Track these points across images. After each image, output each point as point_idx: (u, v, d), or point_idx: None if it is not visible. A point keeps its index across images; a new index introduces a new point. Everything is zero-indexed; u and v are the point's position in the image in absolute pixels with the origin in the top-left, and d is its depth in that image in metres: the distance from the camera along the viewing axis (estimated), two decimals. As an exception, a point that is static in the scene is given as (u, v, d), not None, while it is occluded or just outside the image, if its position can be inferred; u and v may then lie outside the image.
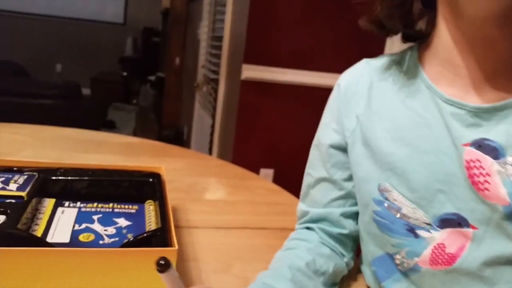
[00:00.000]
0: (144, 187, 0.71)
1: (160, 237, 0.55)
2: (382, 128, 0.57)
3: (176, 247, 0.51)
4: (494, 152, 0.48)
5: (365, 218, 0.60)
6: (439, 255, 0.52)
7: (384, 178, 0.55)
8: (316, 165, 0.65)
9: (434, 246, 0.52)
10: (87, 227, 0.61)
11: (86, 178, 0.70)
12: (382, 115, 0.57)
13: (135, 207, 0.68)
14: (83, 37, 5.79)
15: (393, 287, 0.58)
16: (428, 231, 0.53)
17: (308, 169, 0.67)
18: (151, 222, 0.63)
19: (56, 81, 2.48)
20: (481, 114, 0.49)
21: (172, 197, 0.68)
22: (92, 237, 0.59)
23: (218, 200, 0.89)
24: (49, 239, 0.57)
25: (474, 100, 0.51)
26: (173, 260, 0.50)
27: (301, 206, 0.67)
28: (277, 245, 0.64)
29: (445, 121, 0.51)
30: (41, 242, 0.53)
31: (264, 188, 1.00)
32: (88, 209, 0.66)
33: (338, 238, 0.63)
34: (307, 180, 0.66)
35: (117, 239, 0.59)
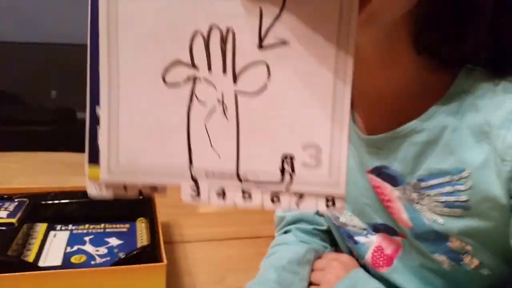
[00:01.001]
0: (135, 205, 0.71)
1: (149, 253, 0.55)
2: None
3: (165, 262, 0.52)
4: (393, 179, 0.48)
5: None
6: (379, 257, 0.54)
7: None
8: None
9: (374, 249, 0.54)
10: (79, 249, 0.61)
11: (77, 200, 0.70)
12: None
13: (127, 225, 0.69)
14: (77, 62, 5.81)
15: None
16: (366, 236, 0.55)
17: None
18: (142, 239, 0.64)
19: (50, 107, 2.49)
20: (377, 143, 0.48)
21: (165, 213, 0.68)
22: (84, 258, 0.59)
23: (211, 213, 0.90)
24: (41, 263, 0.57)
25: (371, 128, 0.49)
26: (162, 275, 0.51)
27: (277, 213, 0.68)
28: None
29: (358, 145, 0.51)
30: (31, 266, 0.54)
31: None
32: (79, 231, 0.67)
33: (316, 234, 0.64)
34: None
35: (108, 258, 0.59)
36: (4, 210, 0.65)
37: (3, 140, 1.43)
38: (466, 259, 0.46)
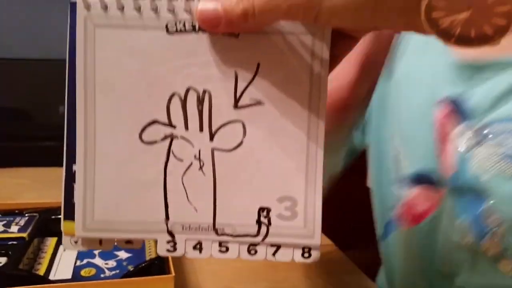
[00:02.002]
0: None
1: (158, 266, 0.56)
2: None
3: (173, 274, 0.52)
4: (463, 114, 0.43)
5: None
6: (408, 212, 0.50)
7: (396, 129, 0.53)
8: None
9: (405, 203, 0.50)
10: (88, 262, 0.62)
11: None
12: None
13: (135, 238, 0.69)
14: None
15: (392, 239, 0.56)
16: (404, 186, 0.50)
17: None
18: (151, 252, 0.65)
19: (58, 122, 2.49)
20: (470, 68, 0.44)
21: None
22: (93, 271, 0.60)
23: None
24: (51, 276, 0.58)
25: (466, 52, 0.45)
26: (170, 287, 0.51)
27: None
28: (277, 263, 0.64)
29: (438, 71, 0.47)
30: (42, 279, 0.55)
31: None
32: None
33: None
34: None
35: (117, 271, 0.60)
36: (15, 225, 0.66)
37: (12, 156, 1.45)
38: (489, 241, 0.41)
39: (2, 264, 0.56)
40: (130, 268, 0.60)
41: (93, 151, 0.29)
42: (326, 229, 0.99)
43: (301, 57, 0.28)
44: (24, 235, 0.63)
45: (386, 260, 0.60)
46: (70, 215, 0.30)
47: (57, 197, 0.79)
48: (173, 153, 0.29)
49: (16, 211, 0.71)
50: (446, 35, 0.23)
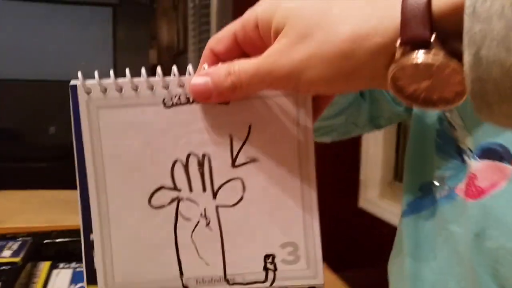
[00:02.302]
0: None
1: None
2: None
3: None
4: None
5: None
6: (470, 186, 0.49)
7: None
8: None
9: (469, 176, 0.48)
10: (82, 287, 0.62)
11: (79, 238, 0.71)
12: None
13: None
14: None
15: (424, 219, 0.54)
16: (469, 158, 0.49)
17: None
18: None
19: (48, 143, 2.50)
20: None
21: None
22: (87, 296, 0.60)
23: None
24: (44, 302, 0.58)
25: None
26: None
27: None
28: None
29: None
30: (36, 305, 0.54)
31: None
32: (82, 269, 0.67)
33: None
34: None
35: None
36: (8, 249, 0.66)
37: (2, 177, 1.44)
38: None
39: (-5, 290, 0.56)
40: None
41: (107, 219, 0.31)
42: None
43: (288, 114, 0.31)
44: (17, 259, 0.63)
45: (414, 237, 0.57)
46: (92, 279, 0.32)
47: (49, 221, 0.79)
48: (181, 214, 0.31)
49: (8, 235, 0.71)
50: (412, 100, 0.26)
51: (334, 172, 1.94)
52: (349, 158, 1.91)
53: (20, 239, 0.69)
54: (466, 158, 0.49)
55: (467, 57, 0.22)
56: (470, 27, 0.22)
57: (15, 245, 0.67)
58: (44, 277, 0.64)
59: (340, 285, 0.80)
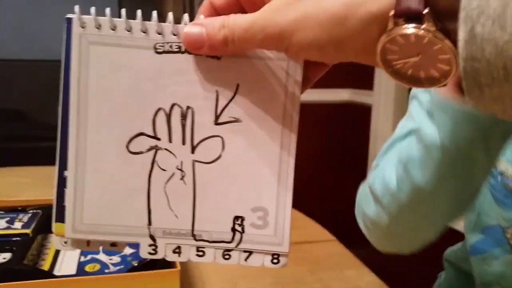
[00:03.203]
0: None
1: (163, 260, 0.56)
2: None
3: (179, 268, 0.52)
4: None
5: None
6: None
7: None
8: None
9: None
10: (92, 258, 0.62)
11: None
12: None
13: (139, 234, 0.70)
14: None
15: (499, 258, 0.56)
16: None
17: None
18: (155, 247, 0.65)
19: (56, 123, 2.49)
20: None
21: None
22: (97, 267, 0.60)
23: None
24: (56, 272, 0.58)
25: None
26: (176, 281, 0.52)
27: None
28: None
29: None
30: (47, 275, 0.55)
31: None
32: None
33: None
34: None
35: (122, 267, 0.60)
36: (18, 221, 0.66)
37: (11, 155, 1.44)
38: None
39: (7, 260, 0.56)
40: (135, 263, 0.60)
41: (83, 158, 0.31)
42: (330, 225, 1.00)
43: (277, 79, 0.31)
44: (28, 231, 0.63)
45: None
46: (61, 217, 0.32)
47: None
48: (157, 163, 0.31)
49: (19, 208, 0.71)
50: (399, 75, 0.26)
51: (346, 148, 1.93)
52: (359, 133, 1.90)
53: (30, 211, 0.70)
54: None
55: (462, 34, 0.22)
56: (467, 2, 0.21)
57: (25, 218, 0.67)
58: (54, 249, 0.64)
59: (351, 259, 0.80)
